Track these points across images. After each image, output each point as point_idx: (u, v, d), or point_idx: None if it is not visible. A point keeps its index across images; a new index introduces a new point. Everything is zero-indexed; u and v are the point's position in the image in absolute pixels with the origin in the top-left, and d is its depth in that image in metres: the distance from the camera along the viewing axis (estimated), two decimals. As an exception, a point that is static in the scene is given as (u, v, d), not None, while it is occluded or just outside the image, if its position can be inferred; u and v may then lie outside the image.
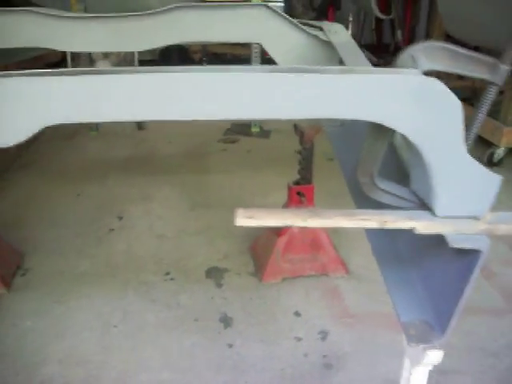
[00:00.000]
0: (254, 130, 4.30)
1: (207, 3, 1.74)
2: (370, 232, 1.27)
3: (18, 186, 3.25)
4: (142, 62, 4.13)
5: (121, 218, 2.85)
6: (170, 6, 1.63)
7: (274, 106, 0.90)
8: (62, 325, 2.04)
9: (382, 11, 5.01)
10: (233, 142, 4.08)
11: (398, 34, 5.37)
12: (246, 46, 4.46)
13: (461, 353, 1.89)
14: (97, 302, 2.17)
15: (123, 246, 2.58)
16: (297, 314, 2.12)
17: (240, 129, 4.28)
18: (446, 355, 1.07)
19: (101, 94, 0.87)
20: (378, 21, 5.90)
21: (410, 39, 5.61)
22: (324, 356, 1.90)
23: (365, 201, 1.12)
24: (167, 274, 2.37)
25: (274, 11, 1.66)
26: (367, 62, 1.39)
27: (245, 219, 0.98)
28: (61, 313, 2.11)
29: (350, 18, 6.06)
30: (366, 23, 6.22)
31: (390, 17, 5.26)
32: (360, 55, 1.45)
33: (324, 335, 2.01)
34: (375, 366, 1.85)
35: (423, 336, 1.02)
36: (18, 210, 2.92)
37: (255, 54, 4.06)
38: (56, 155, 3.76)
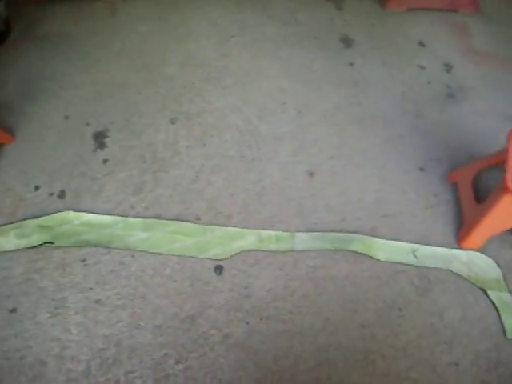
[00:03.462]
0: None
1: None
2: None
3: None
4: None
5: None
6: None
7: None
8: (178, 31, 2.01)
9: None
10: None
11: None
12: None
13: None
14: (213, 15, 2.09)
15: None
16: (421, 43, 1.99)
17: None
18: None
19: None
20: None
21: None
22: (447, 86, 1.83)
23: None
24: None
25: None
26: None
27: None
28: (177, 21, 2.06)
29: None
30: None
31: None
32: None
33: (448, 68, 1.90)
34: (496, 101, 1.78)
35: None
36: None
37: None
38: None
